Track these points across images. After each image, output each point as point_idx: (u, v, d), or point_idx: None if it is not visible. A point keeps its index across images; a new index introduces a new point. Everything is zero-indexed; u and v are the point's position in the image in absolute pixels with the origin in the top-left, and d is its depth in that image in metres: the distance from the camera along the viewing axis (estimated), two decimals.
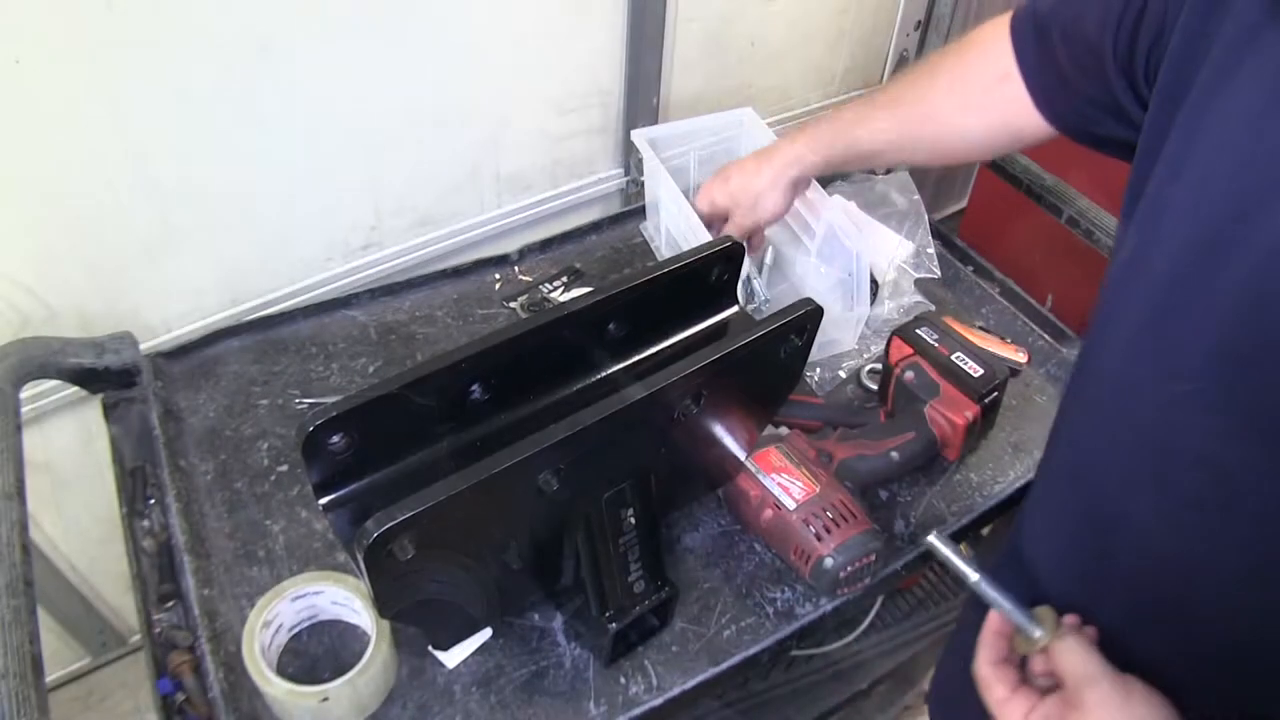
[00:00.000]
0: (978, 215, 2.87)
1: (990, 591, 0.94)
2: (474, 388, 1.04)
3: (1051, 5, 1.08)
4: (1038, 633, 0.91)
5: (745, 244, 1.30)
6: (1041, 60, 1.09)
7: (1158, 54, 0.87)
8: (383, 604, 0.94)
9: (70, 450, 1.72)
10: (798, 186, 1.46)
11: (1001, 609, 0.94)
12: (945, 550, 0.99)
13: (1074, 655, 0.87)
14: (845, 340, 1.59)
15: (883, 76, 2.50)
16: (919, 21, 2.43)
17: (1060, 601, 0.95)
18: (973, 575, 0.96)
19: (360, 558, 0.83)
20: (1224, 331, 0.73)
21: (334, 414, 0.92)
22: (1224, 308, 0.73)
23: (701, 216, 1.51)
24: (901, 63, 2.47)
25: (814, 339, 1.11)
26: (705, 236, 1.49)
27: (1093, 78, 0.99)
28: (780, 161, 1.42)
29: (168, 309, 1.64)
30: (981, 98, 1.18)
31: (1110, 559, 0.90)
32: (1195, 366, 0.76)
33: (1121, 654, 0.87)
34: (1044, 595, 0.98)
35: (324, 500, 0.99)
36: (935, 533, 1.00)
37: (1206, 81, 0.77)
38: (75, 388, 1.42)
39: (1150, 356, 0.81)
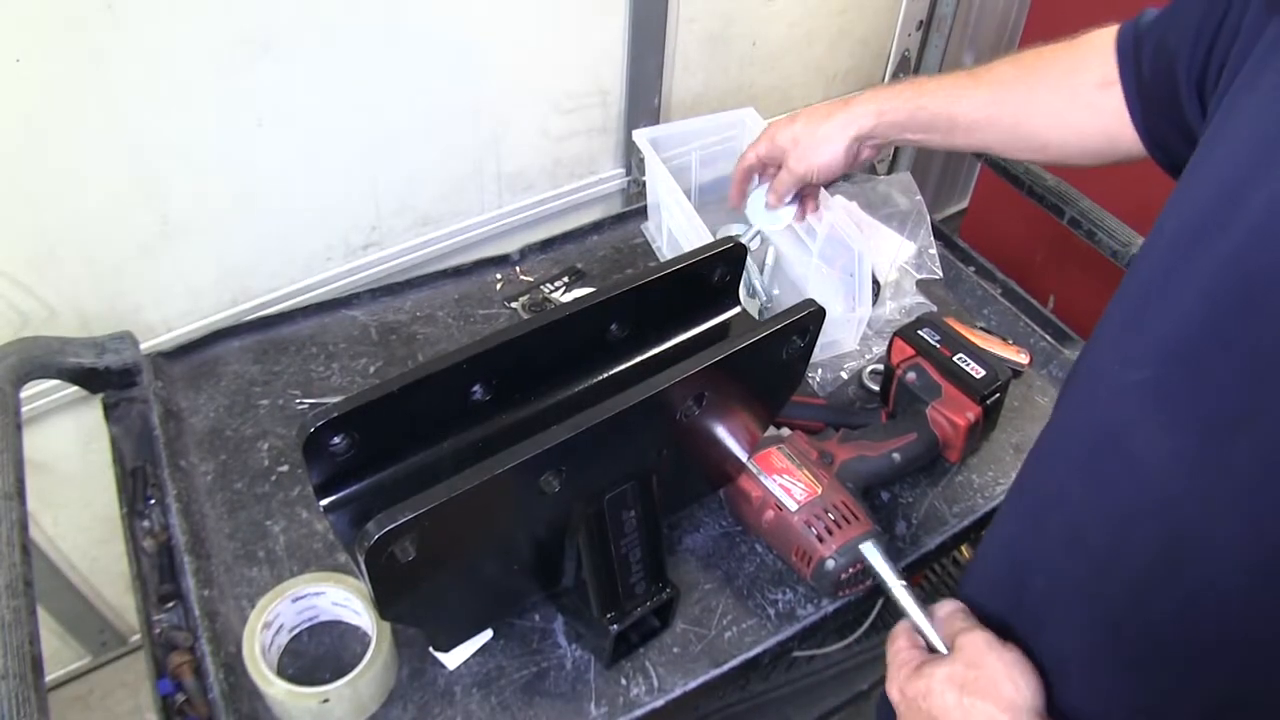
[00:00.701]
0: (979, 216, 2.87)
1: (909, 601, 1.06)
2: (475, 388, 1.04)
3: (1151, 19, 1.05)
4: (944, 650, 0.98)
5: (797, 206, 1.49)
6: (1138, 75, 1.06)
7: (1230, 72, 0.86)
8: (384, 605, 0.93)
9: (70, 450, 1.72)
10: (863, 145, 1.37)
11: (916, 621, 1.03)
12: (876, 556, 1.15)
13: (956, 616, 0.97)
14: (847, 341, 1.59)
15: (884, 77, 2.50)
16: (921, 21, 2.43)
17: (993, 574, 1.01)
18: (897, 582, 1.10)
19: (361, 560, 0.83)
20: (1176, 323, 0.74)
21: (335, 415, 0.92)
22: (1196, 291, 0.72)
23: (749, 165, 1.48)
24: (903, 63, 2.47)
25: (816, 340, 1.11)
26: (707, 237, 1.48)
27: (1169, 96, 0.98)
28: (858, 110, 1.33)
29: (167, 308, 1.64)
30: (1087, 98, 1.14)
31: (1042, 535, 0.91)
32: (1150, 354, 0.76)
33: (1039, 626, 0.91)
34: (987, 570, 1.04)
35: (325, 501, 0.99)
36: (871, 542, 1.15)
37: (1240, 82, 0.77)
38: (75, 388, 1.42)
39: (1119, 344, 0.82)
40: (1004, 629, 0.95)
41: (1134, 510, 0.79)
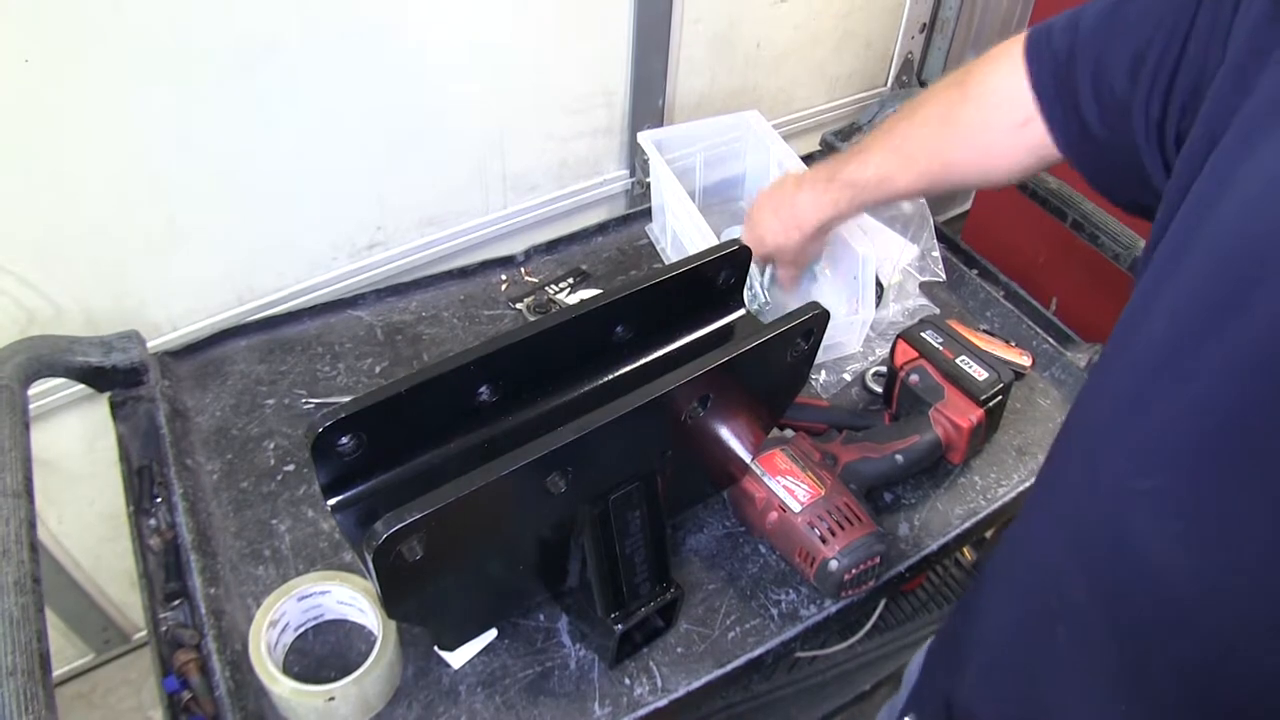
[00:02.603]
0: (982, 219, 2.87)
1: None
2: (482, 390, 1.04)
3: (1070, 45, 1.00)
4: None
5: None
6: (1067, 115, 1.02)
7: (1192, 110, 0.80)
8: (390, 604, 0.94)
9: (75, 448, 1.73)
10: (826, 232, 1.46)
11: None
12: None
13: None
14: (850, 343, 1.59)
15: (887, 79, 2.51)
16: (924, 24, 2.44)
17: (1002, 667, 0.96)
18: None
19: (369, 558, 0.83)
20: (1192, 433, 0.69)
21: (343, 415, 0.92)
22: (1215, 385, 0.67)
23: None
24: (906, 65, 2.48)
25: (820, 343, 1.12)
26: (712, 239, 1.49)
27: (1120, 137, 0.92)
28: (810, 221, 1.41)
29: (173, 307, 1.64)
30: (1005, 143, 1.13)
31: (1050, 641, 0.86)
32: (1157, 464, 0.72)
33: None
34: (986, 662, 0.98)
35: (332, 501, 1.00)
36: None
37: (1237, 136, 0.70)
38: (81, 386, 1.43)
39: (1118, 439, 0.77)
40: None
41: (1149, 618, 0.76)
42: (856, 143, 1.93)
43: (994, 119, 1.12)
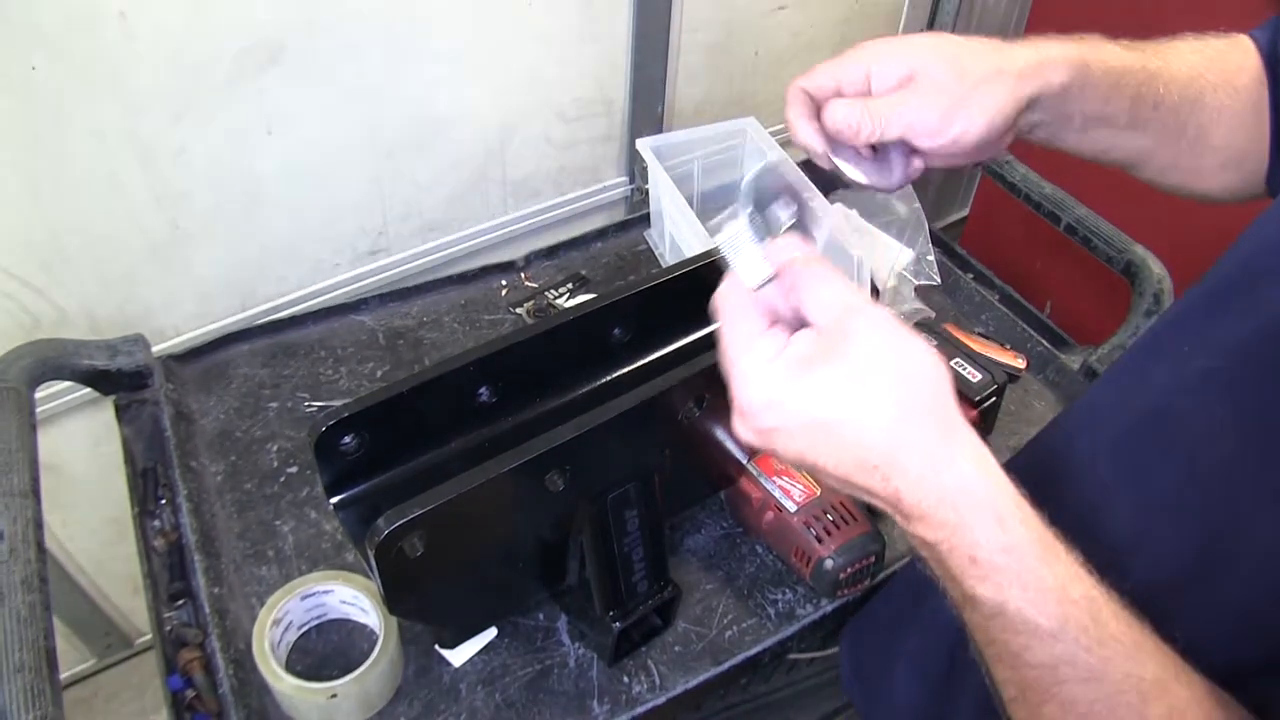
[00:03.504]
0: (980, 223, 2.89)
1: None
2: (482, 390, 1.06)
3: None
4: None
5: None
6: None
7: None
8: (392, 601, 0.96)
9: (79, 452, 1.74)
10: (1023, 109, 0.87)
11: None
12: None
13: (828, 285, 0.72)
14: None
15: None
16: (922, 29, 2.45)
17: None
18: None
19: (371, 554, 0.85)
20: (1259, 328, 0.73)
21: (346, 415, 0.94)
22: (1269, 310, 0.72)
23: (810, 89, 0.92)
24: None
25: None
26: (709, 243, 1.50)
27: None
28: (1046, 50, 0.87)
29: (176, 312, 1.66)
30: (1263, 112, 0.93)
31: (1061, 510, 0.88)
32: (1220, 348, 0.76)
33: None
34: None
35: (335, 499, 1.01)
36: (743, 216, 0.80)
37: None
38: (84, 390, 1.44)
39: (1188, 329, 0.81)
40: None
41: (1173, 492, 0.78)
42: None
43: (1260, 87, 0.93)
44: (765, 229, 0.78)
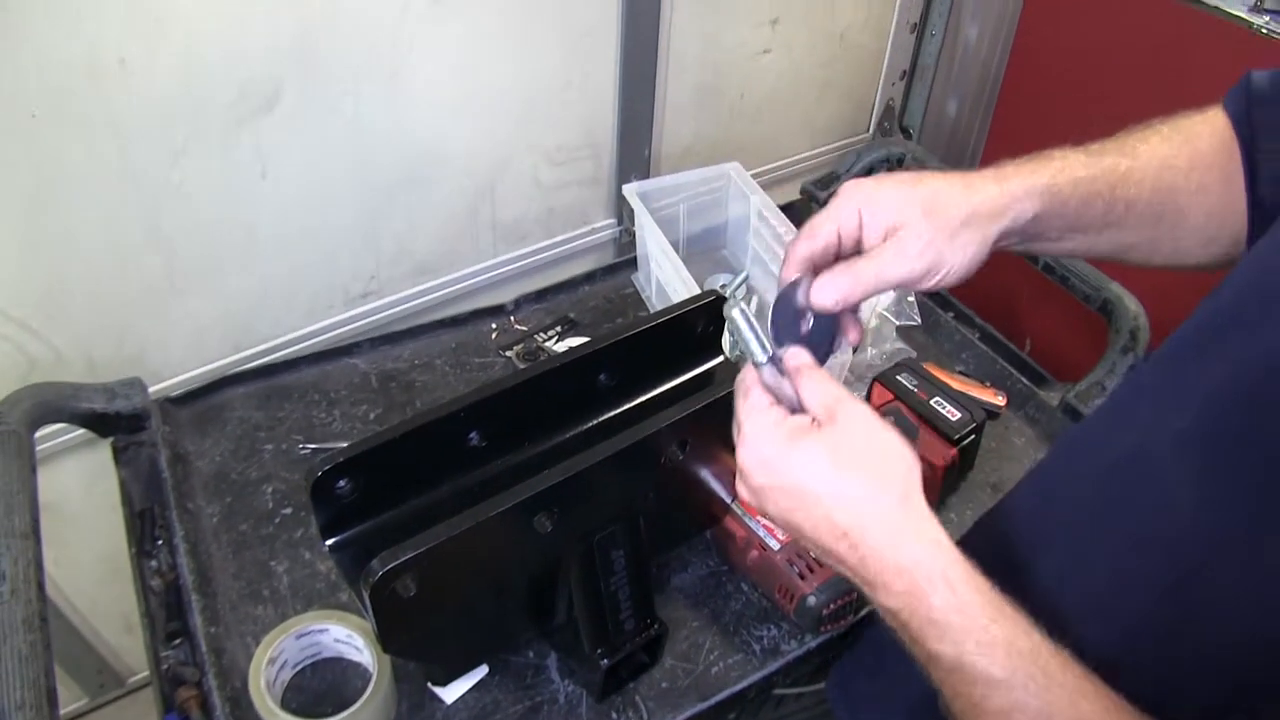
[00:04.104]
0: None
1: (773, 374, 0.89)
2: (472, 435, 1.09)
3: (1269, 84, 0.93)
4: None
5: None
6: (1254, 174, 0.94)
7: None
8: (386, 639, 0.98)
9: (74, 493, 1.75)
10: (996, 242, 0.93)
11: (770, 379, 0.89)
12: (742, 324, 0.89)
13: (824, 386, 0.84)
14: None
15: (869, 126, 2.56)
16: (904, 72, 2.49)
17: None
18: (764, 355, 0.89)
19: (366, 594, 0.88)
20: (1226, 380, 0.75)
21: (341, 460, 0.97)
22: (1237, 355, 0.75)
23: (820, 246, 0.93)
24: (887, 112, 2.53)
25: None
26: (694, 288, 1.52)
27: None
28: (1011, 188, 0.91)
29: (172, 354, 1.68)
30: (1238, 185, 0.96)
31: (1038, 544, 0.92)
32: (1191, 406, 0.78)
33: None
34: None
35: (330, 541, 1.04)
36: (739, 308, 0.90)
37: None
38: (79, 431, 1.46)
39: (1157, 387, 0.84)
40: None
41: (1146, 547, 0.81)
42: (836, 190, 1.99)
43: (1232, 164, 0.95)
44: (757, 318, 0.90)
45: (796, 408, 0.87)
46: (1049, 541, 0.93)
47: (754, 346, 0.89)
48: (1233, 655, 0.76)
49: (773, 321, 0.93)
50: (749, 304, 1.70)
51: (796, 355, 0.88)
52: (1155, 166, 0.95)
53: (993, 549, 0.93)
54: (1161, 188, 0.95)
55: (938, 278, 0.90)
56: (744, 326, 0.89)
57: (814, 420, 0.83)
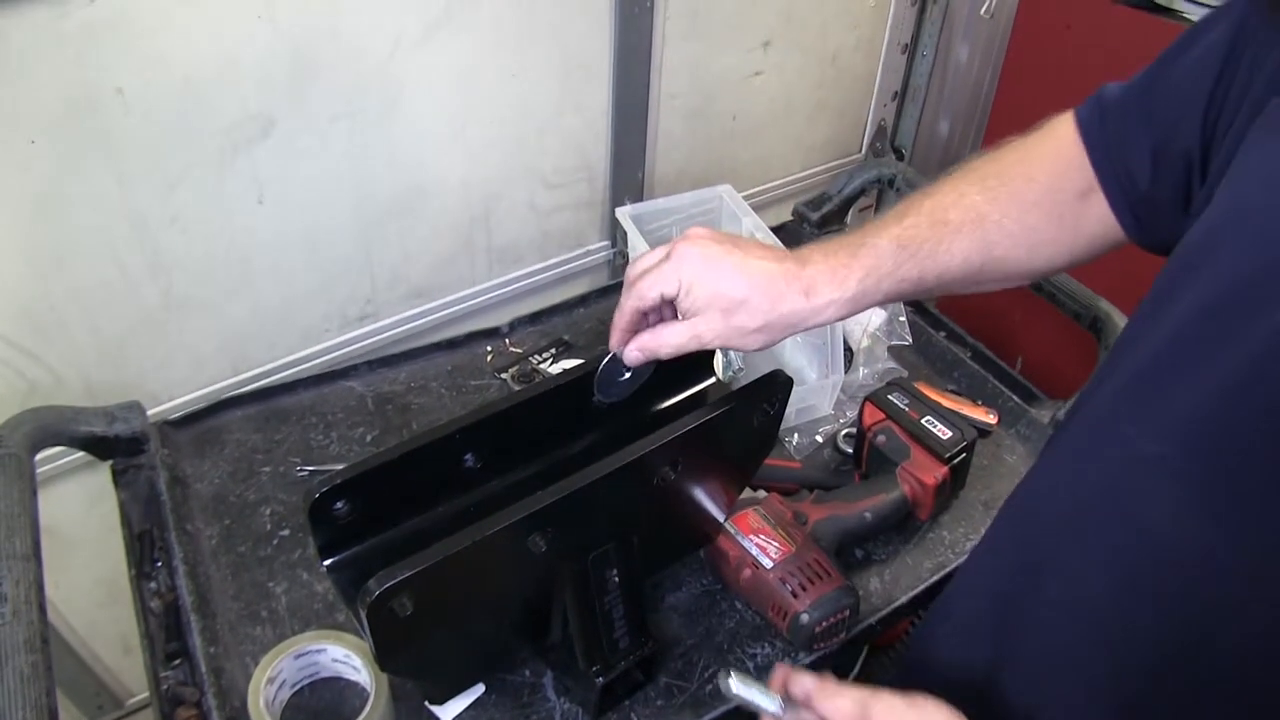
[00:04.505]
0: None
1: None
2: (468, 456, 1.11)
3: (1118, 101, 0.99)
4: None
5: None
6: (1119, 177, 0.99)
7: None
8: (383, 658, 0.99)
9: (72, 515, 1.76)
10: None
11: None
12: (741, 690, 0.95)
13: (841, 693, 0.87)
14: (822, 406, 1.65)
15: (861, 146, 2.58)
16: (896, 93, 2.51)
17: (978, 633, 0.99)
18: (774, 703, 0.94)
19: (363, 614, 0.89)
20: (1214, 405, 0.73)
21: (339, 481, 0.99)
22: (1221, 377, 0.72)
23: (643, 306, 1.05)
24: (879, 133, 2.55)
25: (785, 407, 1.17)
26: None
27: (1171, 192, 0.94)
28: (818, 303, 1.01)
29: (169, 377, 1.70)
30: (1072, 216, 1.03)
31: (1036, 597, 0.90)
32: (1174, 432, 0.76)
33: (1030, 692, 0.91)
34: (963, 622, 1.03)
35: (328, 562, 1.05)
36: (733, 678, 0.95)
37: (1256, 138, 0.77)
38: (78, 454, 1.48)
39: (1131, 411, 0.81)
40: (986, 676, 0.95)
41: (1142, 578, 0.80)
42: (829, 211, 2.01)
43: (1058, 191, 1.03)
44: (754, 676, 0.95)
45: None
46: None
47: (764, 702, 0.93)
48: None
49: (599, 383, 1.14)
50: None
51: (799, 683, 0.91)
52: (968, 228, 1.03)
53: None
54: (975, 246, 1.03)
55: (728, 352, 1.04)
56: (746, 693, 0.94)
57: None
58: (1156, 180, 0.95)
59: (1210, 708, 0.80)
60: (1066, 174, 1.03)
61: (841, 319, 1.04)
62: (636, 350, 1.06)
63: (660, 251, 1.06)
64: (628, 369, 1.11)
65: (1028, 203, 1.03)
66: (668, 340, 1.04)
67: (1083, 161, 1.02)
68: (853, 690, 0.87)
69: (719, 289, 1.00)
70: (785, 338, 1.04)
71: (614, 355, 1.10)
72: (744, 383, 1.14)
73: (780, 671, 0.94)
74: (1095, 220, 1.03)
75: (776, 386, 1.11)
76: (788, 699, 0.92)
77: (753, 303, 0.99)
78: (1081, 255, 1.07)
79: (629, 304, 1.05)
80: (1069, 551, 0.87)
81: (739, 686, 0.93)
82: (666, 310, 1.07)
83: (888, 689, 0.86)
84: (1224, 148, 0.86)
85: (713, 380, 1.31)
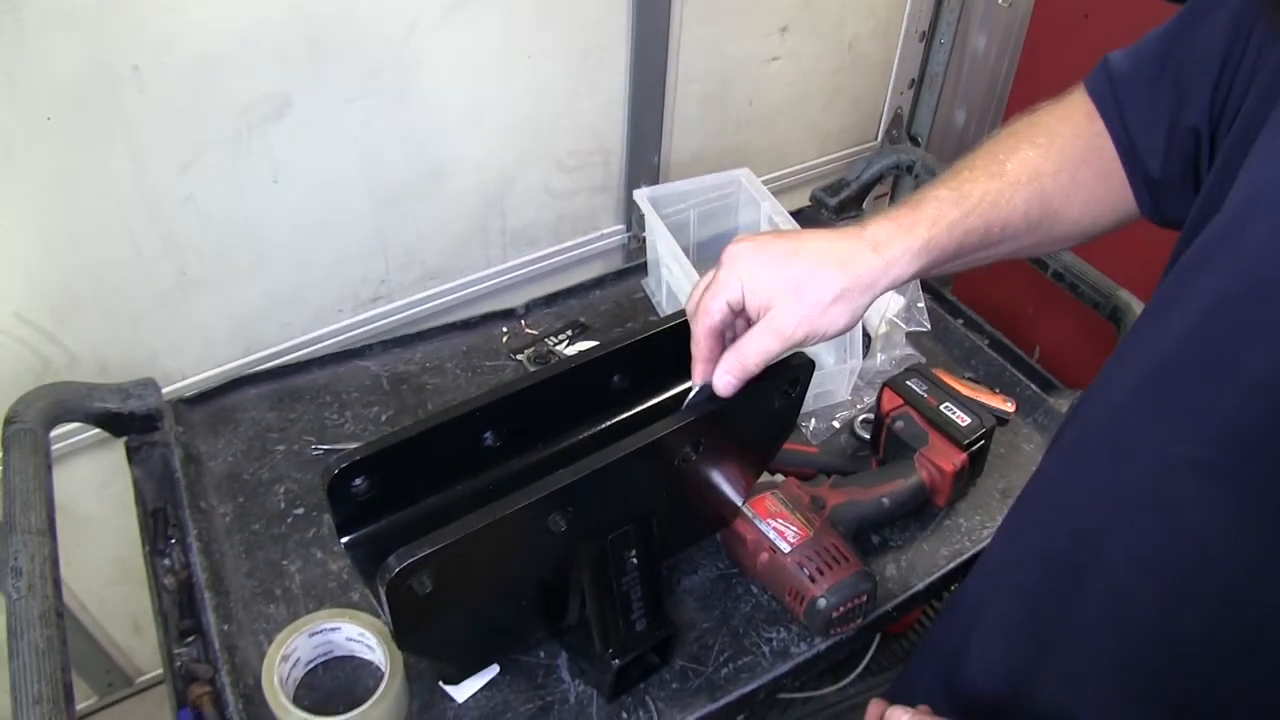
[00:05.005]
0: (968, 270, 2.92)
1: None
2: (487, 435, 1.10)
3: (1129, 72, 0.98)
4: None
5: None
6: (1132, 150, 0.98)
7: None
8: (401, 636, 0.99)
9: (85, 494, 1.77)
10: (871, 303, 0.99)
11: None
12: None
13: None
14: (839, 391, 1.64)
15: (878, 134, 2.57)
16: (912, 80, 2.50)
17: (1010, 633, 0.97)
18: None
19: (382, 591, 0.88)
20: (1254, 406, 0.71)
21: (358, 458, 0.98)
22: (1251, 376, 0.70)
23: (716, 324, 0.99)
24: (895, 120, 2.54)
25: (806, 391, 1.17)
26: None
27: (1182, 163, 0.93)
28: (890, 256, 0.96)
29: (183, 356, 1.70)
30: (1115, 169, 1.00)
31: (1078, 598, 0.88)
32: (1211, 435, 0.74)
33: (1073, 694, 0.89)
34: (994, 627, 1.01)
35: (346, 539, 1.05)
36: None
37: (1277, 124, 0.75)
38: (92, 432, 1.48)
39: (1159, 410, 0.79)
40: (1029, 678, 0.94)
41: (1188, 582, 0.78)
42: (846, 197, 2.00)
43: (1102, 149, 1.00)
44: None
45: None
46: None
47: None
48: None
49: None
50: None
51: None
52: (1025, 179, 1.00)
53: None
54: (1033, 199, 0.99)
55: (813, 343, 0.97)
56: None
57: None
58: (1169, 157, 0.95)
59: (1262, 712, 0.79)
60: (1103, 133, 1.00)
61: (916, 275, 0.98)
62: (727, 376, 0.98)
63: (710, 273, 1.01)
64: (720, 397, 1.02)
65: (1077, 159, 1.01)
66: (751, 350, 0.97)
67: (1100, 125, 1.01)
68: None
69: (783, 272, 0.95)
70: (865, 306, 0.96)
71: (702, 388, 1.03)
72: None
73: (876, 708, 0.93)
74: (1121, 180, 1.01)
75: (798, 369, 1.10)
76: None
77: (822, 274, 0.94)
78: (1123, 217, 1.04)
79: (700, 329, 0.99)
80: (1112, 555, 0.84)
81: None
82: (740, 325, 1.01)
83: None
84: (1236, 125, 0.84)
85: None
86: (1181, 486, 0.77)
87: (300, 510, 1.41)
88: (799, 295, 0.94)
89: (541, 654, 1.27)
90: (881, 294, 0.96)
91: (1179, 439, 0.77)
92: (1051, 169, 1.00)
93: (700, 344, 1.00)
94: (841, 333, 0.97)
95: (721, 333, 1.00)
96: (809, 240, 0.97)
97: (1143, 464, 0.81)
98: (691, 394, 1.04)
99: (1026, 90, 2.28)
